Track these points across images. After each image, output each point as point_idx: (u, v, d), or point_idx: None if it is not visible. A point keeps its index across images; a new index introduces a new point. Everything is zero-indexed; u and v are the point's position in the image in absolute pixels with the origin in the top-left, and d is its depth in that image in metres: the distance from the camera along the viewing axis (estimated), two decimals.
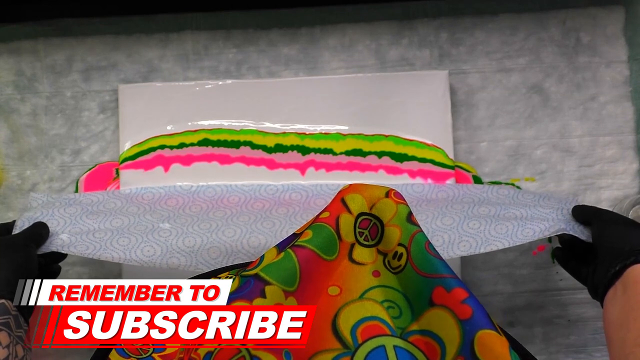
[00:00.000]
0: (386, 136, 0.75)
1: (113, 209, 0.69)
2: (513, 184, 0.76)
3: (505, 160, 0.76)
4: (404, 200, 0.49)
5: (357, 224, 0.49)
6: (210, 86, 0.75)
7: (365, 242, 0.49)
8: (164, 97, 0.75)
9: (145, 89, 0.75)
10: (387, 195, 0.49)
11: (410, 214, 0.48)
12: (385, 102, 0.75)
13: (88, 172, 0.76)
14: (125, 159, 0.74)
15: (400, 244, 0.47)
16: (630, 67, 0.77)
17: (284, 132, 0.75)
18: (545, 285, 0.75)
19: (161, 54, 0.77)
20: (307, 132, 0.75)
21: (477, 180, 0.76)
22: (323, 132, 0.75)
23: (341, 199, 0.49)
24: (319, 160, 0.74)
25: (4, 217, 0.76)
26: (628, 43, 0.77)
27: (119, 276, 0.73)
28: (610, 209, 0.75)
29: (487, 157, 0.76)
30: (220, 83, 0.75)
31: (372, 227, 0.49)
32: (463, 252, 0.62)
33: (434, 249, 0.46)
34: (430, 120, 0.75)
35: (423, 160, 0.74)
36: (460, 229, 0.63)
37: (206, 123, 0.75)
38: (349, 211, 0.49)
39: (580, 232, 0.61)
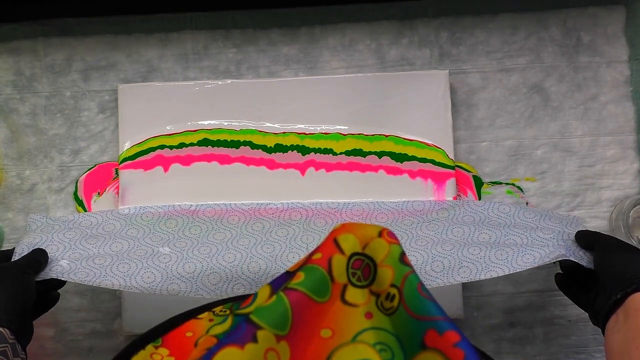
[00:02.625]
0: (386, 136, 0.74)
1: (112, 232, 0.69)
2: (514, 184, 0.76)
3: (505, 160, 0.76)
4: (397, 240, 0.49)
5: (350, 265, 0.49)
6: (210, 86, 0.75)
7: (358, 283, 0.49)
8: (164, 97, 0.75)
9: (144, 89, 0.75)
10: (380, 234, 0.49)
11: (402, 254, 0.48)
12: (385, 102, 0.75)
13: (87, 172, 0.76)
14: (125, 159, 0.74)
15: (392, 285, 0.47)
16: (630, 66, 0.77)
17: (284, 132, 0.75)
18: (545, 286, 0.74)
19: (161, 53, 0.77)
20: (307, 132, 0.75)
21: (478, 180, 0.76)
22: (323, 132, 0.75)
23: (334, 239, 0.49)
24: (319, 160, 0.74)
25: (3, 217, 0.75)
26: (629, 43, 0.77)
27: None
28: (611, 209, 0.75)
29: (488, 157, 0.76)
30: (220, 83, 0.75)
31: (364, 267, 0.49)
32: (463, 279, 0.62)
33: (427, 290, 0.46)
34: (431, 120, 0.74)
35: (423, 160, 0.74)
36: (460, 254, 0.63)
37: (206, 123, 0.75)
38: (342, 251, 0.48)
39: (580, 258, 0.61)
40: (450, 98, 0.75)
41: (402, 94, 0.74)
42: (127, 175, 0.74)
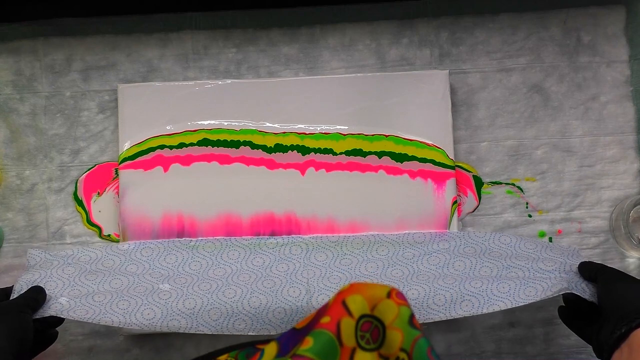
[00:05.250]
0: (386, 136, 0.74)
1: (112, 268, 0.69)
2: (514, 184, 0.76)
3: (505, 160, 0.76)
4: (406, 301, 0.49)
5: (359, 327, 0.49)
6: (210, 86, 0.75)
7: (367, 346, 0.49)
8: (164, 97, 0.75)
9: (144, 89, 0.75)
10: (389, 295, 0.49)
11: (412, 316, 0.48)
12: (385, 102, 0.75)
13: (87, 172, 0.76)
14: (125, 159, 0.74)
15: (402, 349, 0.47)
16: (631, 66, 0.77)
17: (284, 132, 0.75)
18: None
19: (161, 53, 0.77)
20: (307, 132, 0.75)
21: (478, 180, 0.76)
22: (323, 132, 0.75)
23: (342, 301, 0.49)
24: (319, 161, 0.74)
25: (3, 217, 0.75)
26: (629, 42, 0.77)
27: None
28: (611, 209, 0.75)
29: (488, 157, 0.76)
30: (220, 83, 0.75)
31: (373, 330, 0.49)
32: (465, 313, 0.63)
33: (437, 355, 0.46)
34: (431, 120, 0.74)
35: (423, 160, 0.74)
36: (462, 287, 0.64)
37: (206, 123, 0.75)
38: (350, 314, 0.48)
39: (583, 291, 0.61)
40: (450, 98, 0.75)
41: (402, 94, 0.74)
42: (127, 175, 0.74)
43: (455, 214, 0.73)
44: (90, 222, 0.75)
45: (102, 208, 0.76)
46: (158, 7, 0.77)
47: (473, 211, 0.76)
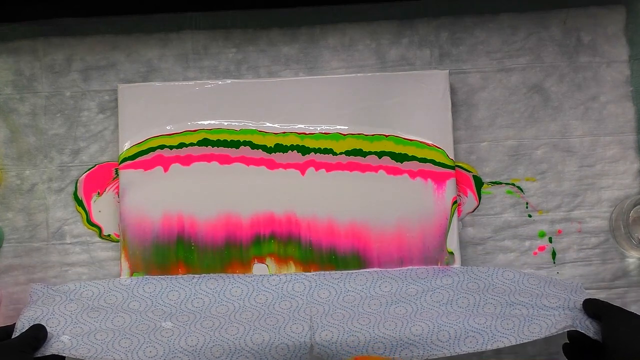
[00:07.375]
0: (386, 136, 0.74)
1: (114, 304, 0.69)
2: (514, 184, 0.76)
3: (505, 160, 0.76)
4: None
5: None
6: (210, 86, 0.75)
7: None
8: (164, 97, 0.75)
9: (144, 89, 0.75)
10: None
11: None
12: (385, 102, 0.75)
13: (87, 172, 0.76)
14: (125, 159, 0.74)
15: None
16: (631, 66, 0.77)
17: (284, 132, 0.75)
18: None
19: (161, 53, 0.77)
20: (307, 132, 0.75)
21: (478, 180, 0.76)
22: (323, 132, 0.75)
23: None
24: (319, 161, 0.74)
25: (3, 217, 0.75)
26: (629, 42, 0.77)
27: (118, 276, 0.73)
28: (611, 209, 0.75)
29: (488, 157, 0.76)
30: (220, 83, 0.75)
31: None
32: (469, 349, 0.63)
33: None
34: (431, 120, 0.74)
35: (423, 160, 0.74)
36: (466, 323, 0.64)
37: (206, 123, 0.75)
38: None
39: (587, 329, 0.62)
40: (450, 98, 0.75)
41: (402, 94, 0.74)
42: (127, 175, 0.74)
43: (455, 214, 0.73)
44: (90, 222, 0.75)
45: (102, 208, 0.76)
46: (158, 7, 0.77)
47: (473, 211, 0.76)
